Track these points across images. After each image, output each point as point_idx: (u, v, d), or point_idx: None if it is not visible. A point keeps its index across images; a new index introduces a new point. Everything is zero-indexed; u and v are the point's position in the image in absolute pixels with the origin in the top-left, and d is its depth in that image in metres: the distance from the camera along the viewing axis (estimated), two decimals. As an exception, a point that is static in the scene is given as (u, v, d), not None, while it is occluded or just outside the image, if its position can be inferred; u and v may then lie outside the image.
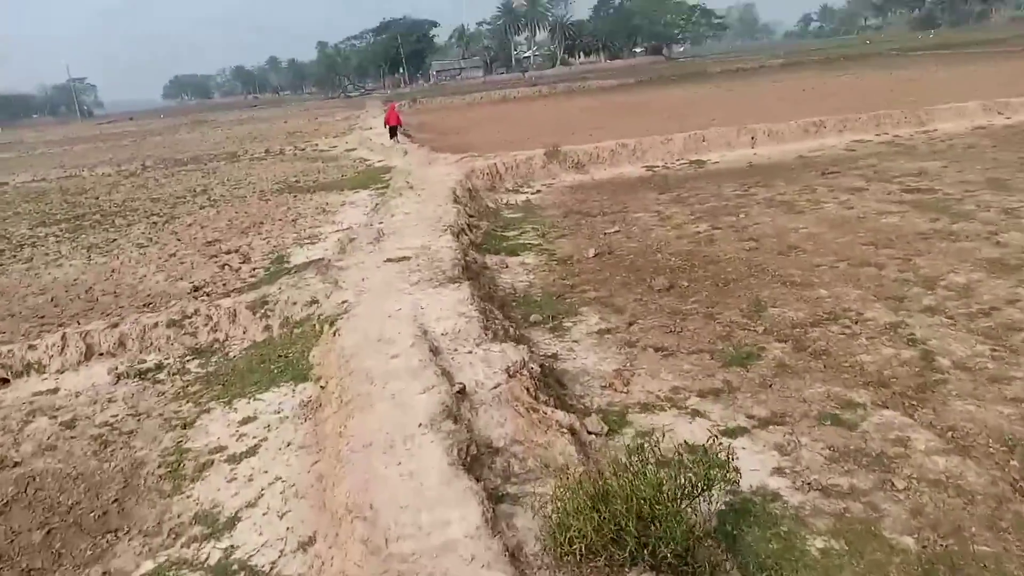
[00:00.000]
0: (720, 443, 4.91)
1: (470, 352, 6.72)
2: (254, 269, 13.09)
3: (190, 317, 9.06)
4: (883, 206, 13.45)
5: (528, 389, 6.10)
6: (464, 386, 5.87)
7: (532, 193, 18.97)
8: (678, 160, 21.14)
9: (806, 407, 6.59)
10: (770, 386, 7.02)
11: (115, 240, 17.28)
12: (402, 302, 8.24)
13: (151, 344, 8.82)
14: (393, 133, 33.33)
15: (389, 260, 10.55)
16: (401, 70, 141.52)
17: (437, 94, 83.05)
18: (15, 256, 16.46)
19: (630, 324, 8.96)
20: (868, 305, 8.80)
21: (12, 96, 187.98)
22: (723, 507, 5.14)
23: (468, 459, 4.83)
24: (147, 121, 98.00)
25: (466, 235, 12.67)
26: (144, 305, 11.60)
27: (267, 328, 8.88)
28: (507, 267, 11.94)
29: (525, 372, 6.39)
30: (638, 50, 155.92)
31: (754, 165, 19.50)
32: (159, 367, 8.49)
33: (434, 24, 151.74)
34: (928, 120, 22.36)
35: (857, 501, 5.24)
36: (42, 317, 11.43)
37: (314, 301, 8.93)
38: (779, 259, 11.00)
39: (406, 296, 8.50)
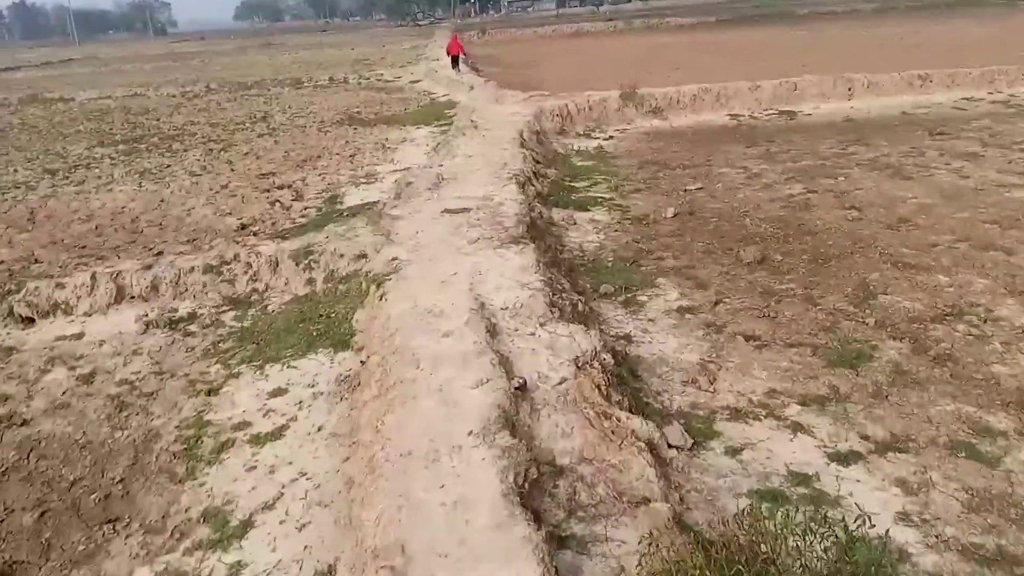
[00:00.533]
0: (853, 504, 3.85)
1: (532, 334, 5.76)
2: (305, 208, 12.29)
3: (229, 263, 8.31)
4: (1004, 177, 11.81)
5: (600, 387, 5.13)
6: (524, 381, 4.94)
7: (605, 139, 17.63)
8: (767, 110, 19.42)
9: (933, 430, 5.46)
10: (886, 397, 5.89)
11: (169, 166, 16.70)
12: (459, 264, 7.29)
13: (186, 290, 8.12)
14: (455, 63, 32.22)
15: (447, 211, 9.57)
16: (472, 0, 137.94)
17: (507, 26, 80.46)
18: (68, 177, 16.02)
19: (715, 303, 7.85)
20: (999, 300, 7.48)
21: (91, 11, 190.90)
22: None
23: (526, 486, 3.92)
24: (217, 42, 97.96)
25: (532, 185, 11.57)
26: (188, 241, 10.94)
27: (310, 282, 8.07)
28: (576, 224, 10.85)
29: (596, 364, 5.41)
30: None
31: (852, 120, 17.71)
32: (192, 317, 7.79)
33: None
34: (1052, 78, 20.01)
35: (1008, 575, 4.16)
36: (83, 247, 10.88)
37: (363, 255, 8.05)
38: (887, 234, 9.63)
39: (464, 257, 7.54)
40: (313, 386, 6.02)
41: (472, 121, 17.27)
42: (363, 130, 19.97)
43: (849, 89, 19.85)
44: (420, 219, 9.31)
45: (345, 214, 11.37)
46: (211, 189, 14.12)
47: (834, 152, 14.41)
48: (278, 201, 12.86)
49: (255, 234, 11.08)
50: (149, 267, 8.24)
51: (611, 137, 17.79)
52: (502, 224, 8.96)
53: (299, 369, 6.37)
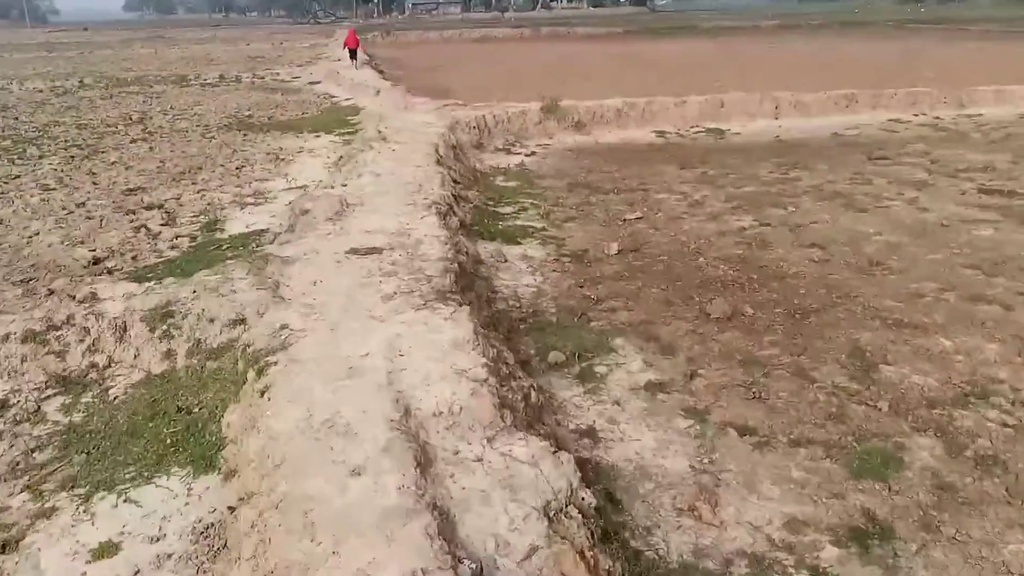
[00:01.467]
0: None
1: (480, 459, 4.07)
2: (176, 237, 10.13)
3: (59, 329, 6.20)
4: (964, 211, 10.97)
5: (585, 556, 3.50)
6: (480, 569, 3.26)
7: (527, 155, 16.10)
8: (693, 127, 18.39)
9: (1015, 584, 4.11)
10: (939, 528, 4.52)
11: (17, 177, 14.03)
12: (371, 337, 5.50)
13: (-4, 365, 5.98)
14: (353, 55, 33.02)
15: (354, 251, 7.72)
16: (375, 0, 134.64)
17: (412, 28, 78.29)
18: None
19: (690, 376, 6.37)
20: (1020, 373, 6.33)
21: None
22: None
23: None
24: (101, 33, 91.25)
25: (454, 213, 9.86)
26: (21, 281, 8.66)
27: (169, 354, 6.07)
28: (507, 262, 9.22)
29: (574, 512, 3.78)
30: (622, 0, 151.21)
31: (784, 141, 16.88)
32: (1, 406, 5.68)
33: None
34: (969, 102, 19.91)
35: None
36: None
37: (240, 320, 6.12)
38: (863, 280, 8.46)
39: (377, 325, 5.75)
40: (158, 540, 4.10)
41: (380, 132, 15.39)
42: (254, 136, 17.71)
43: (776, 107, 19.12)
44: (319, 262, 7.43)
45: (224, 247, 9.34)
46: (64, 208, 11.69)
47: (776, 177, 13.37)
48: (144, 226, 10.63)
49: (109, 271, 8.90)
50: (-56, 333, 6.05)
51: (533, 153, 16.28)
52: (424, 272, 7.21)
53: (141, 506, 4.43)
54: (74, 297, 6.63)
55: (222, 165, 14.59)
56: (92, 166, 14.86)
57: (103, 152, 16.24)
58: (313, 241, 8.14)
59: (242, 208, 11.42)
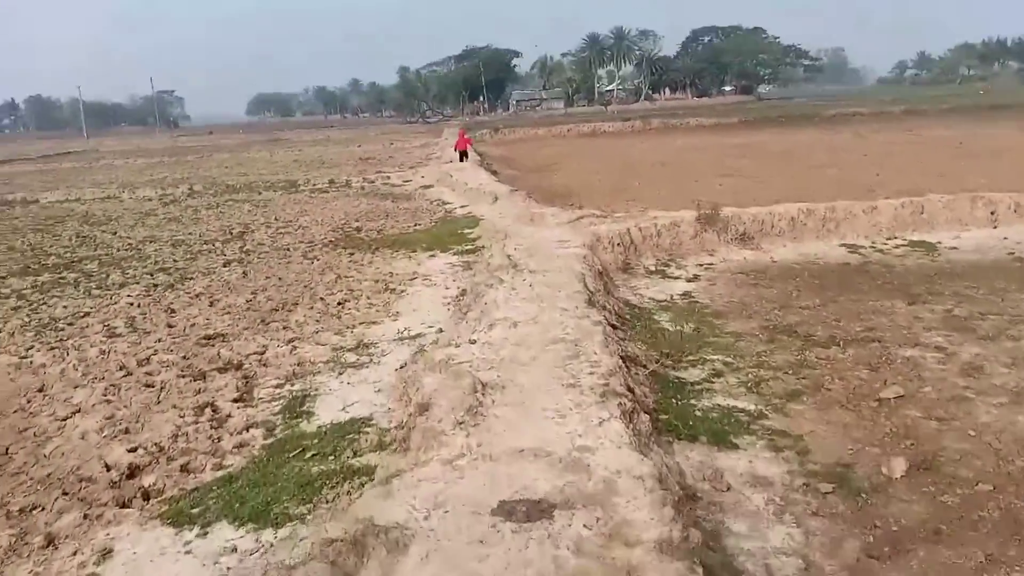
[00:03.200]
0: None
1: None
2: (248, 427, 7.33)
3: None
4: None
5: None
6: None
7: (688, 279, 12.89)
8: (891, 239, 14.77)
9: None
10: None
11: (87, 315, 11.96)
12: None
13: None
14: (463, 157, 33.18)
15: (506, 513, 4.61)
16: (481, 98, 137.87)
17: (518, 124, 77.99)
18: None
19: None
20: None
21: (105, 105, 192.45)
22: None
23: None
24: (223, 136, 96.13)
25: (636, 402, 6.65)
26: (17, 513, 5.99)
27: None
28: (729, 491, 5.88)
29: None
30: (727, 88, 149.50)
31: (1022, 259, 13.01)
32: None
33: (516, 54, 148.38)
34: None
35: None
36: None
37: None
38: None
39: None
40: None
41: (508, 255, 12.58)
42: (361, 257, 15.32)
43: (992, 213, 15.28)
44: (447, 548, 4.32)
45: (307, 455, 6.44)
46: (122, 368, 9.23)
47: (1059, 319, 9.59)
48: (211, 405, 7.93)
49: (146, 495, 6.12)
50: None
51: (696, 277, 13.05)
52: (629, 563, 3.97)
53: None
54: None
55: (322, 298, 12.06)
56: (174, 299, 12.66)
57: (191, 278, 14.13)
58: (438, 478, 5.06)
59: (340, 374, 8.59)
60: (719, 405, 7.55)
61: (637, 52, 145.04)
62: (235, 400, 8.02)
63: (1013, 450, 6.35)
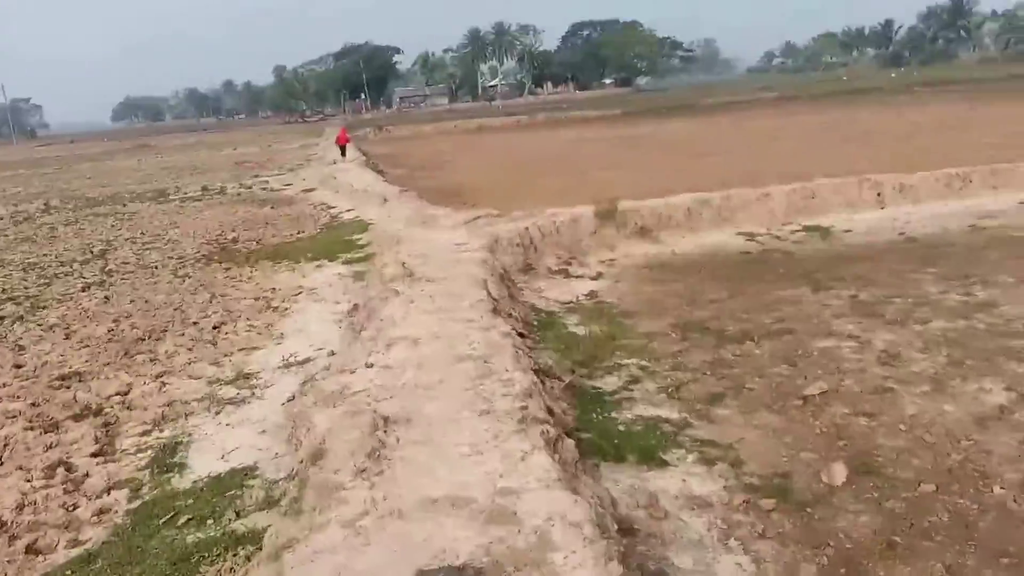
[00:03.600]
0: None
1: None
2: (109, 488, 6.20)
3: None
4: None
5: None
6: None
7: (592, 278, 12.43)
8: (786, 224, 14.84)
9: None
10: None
11: (-87, 358, 10.22)
12: None
13: None
14: (343, 152, 33.13)
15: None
16: (363, 96, 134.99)
17: (402, 121, 76.65)
18: None
19: None
20: None
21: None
22: None
23: None
24: (88, 144, 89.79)
25: (555, 422, 6.01)
26: None
27: None
28: (666, 518, 5.32)
29: None
30: (607, 81, 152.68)
31: (915, 239, 13.28)
32: None
33: (397, 51, 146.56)
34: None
35: None
36: None
37: None
38: None
39: None
40: None
41: (402, 261, 11.72)
42: (238, 271, 14.05)
43: (879, 194, 15.63)
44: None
45: (181, 520, 5.43)
46: (-49, 422, 7.80)
47: (959, 300, 9.63)
48: (64, 462, 6.71)
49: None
50: None
51: (600, 275, 12.61)
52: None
53: None
54: None
55: (195, 323, 10.81)
56: (23, 333, 11.10)
57: (43, 307, 12.50)
58: (338, 547, 4.23)
59: (217, 413, 7.52)
60: (641, 416, 7.01)
61: (519, 47, 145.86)
62: (94, 454, 6.83)
63: (946, 444, 6.11)
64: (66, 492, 6.16)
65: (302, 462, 5.59)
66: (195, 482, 6.10)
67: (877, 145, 23.19)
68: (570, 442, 5.59)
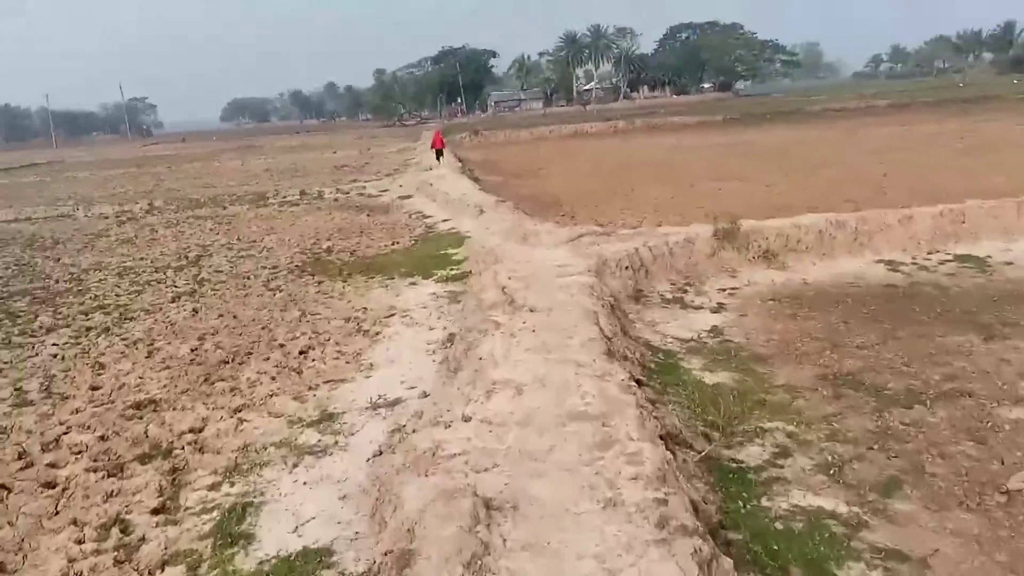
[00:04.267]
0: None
1: None
2: (165, 558, 5.36)
3: None
4: None
5: None
6: None
7: (713, 310, 11.03)
8: (933, 253, 13.01)
9: None
10: None
11: (-2, 371, 9.88)
12: None
13: None
14: (439, 156, 33.41)
15: None
16: (459, 100, 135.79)
17: (497, 125, 76.04)
18: None
19: None
20: None
21: (76, 113, 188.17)
22: None
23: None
24: (197, 143, 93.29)
25: (702, 520, 4.77)
26: None
27: None
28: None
29: None
30: (705, 85, 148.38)
31: (1099, 276, 11.31)
32: None
33: (493, 54, 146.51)
34: None
35: None
36: None
37: None
38: None
39: None
40: None
41: (502, 286, 10.66)
42: (331, 286, 13.35)
43: (1041, 219, 13.57)
44: None
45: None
46: (19, 457, 7.22)
47: None
48: (121, 519, 5.94)
49: None
50: None
51: (721, 306, 11.20)
52: None
53: None
54: None
55: (281, 345, 10.07)
56: (106, 347, 10.64)
57: (131, 319, 12.11)
58: None
59: (294, 466, 6.61)
60: (799, 507, 5.67)
61: (615, 50, 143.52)
62: (155, 511, 6.04)
63: None
64: (116, 563, 5.34)
65: (385, 556, 4.54)
66: (261, 563, 5.17)
67: (1009, 159, 20.76)
68: (728, 562, 4.33)
